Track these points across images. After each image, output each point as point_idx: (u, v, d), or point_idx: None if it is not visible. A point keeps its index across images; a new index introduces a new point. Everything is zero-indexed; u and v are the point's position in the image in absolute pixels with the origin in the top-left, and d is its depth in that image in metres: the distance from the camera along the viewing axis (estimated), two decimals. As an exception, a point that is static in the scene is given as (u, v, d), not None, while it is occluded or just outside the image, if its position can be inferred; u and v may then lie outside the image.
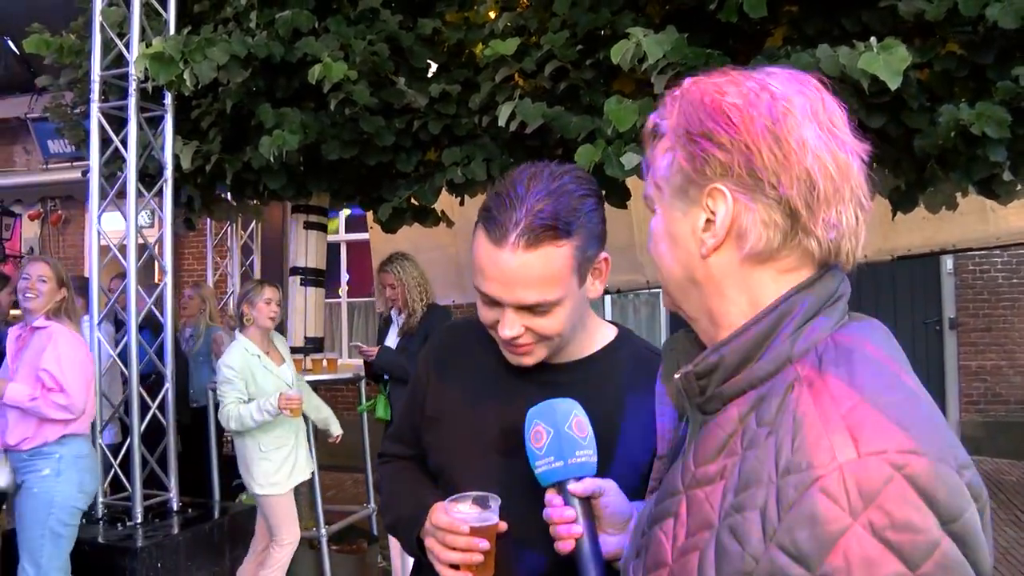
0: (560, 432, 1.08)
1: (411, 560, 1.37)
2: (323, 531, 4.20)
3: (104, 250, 4.29)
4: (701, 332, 0.87)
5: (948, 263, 7.32)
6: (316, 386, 4.39)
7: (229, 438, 5.87)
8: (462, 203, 4.14)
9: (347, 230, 8.75)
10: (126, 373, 4.18)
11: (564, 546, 1.05)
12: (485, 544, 1.11)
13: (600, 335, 1.30)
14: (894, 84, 2.65)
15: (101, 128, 4.25)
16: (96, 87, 4.26)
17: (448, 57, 4.13)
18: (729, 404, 0.78)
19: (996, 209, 4.57)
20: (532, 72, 3.59)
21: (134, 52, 4.12)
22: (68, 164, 8.66)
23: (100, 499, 4.14)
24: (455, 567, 1.13)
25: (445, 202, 4.30)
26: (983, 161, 2.91)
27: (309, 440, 4.08)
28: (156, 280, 4.62)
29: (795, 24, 3.30)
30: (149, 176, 4.43)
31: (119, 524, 4.03)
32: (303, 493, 4.15)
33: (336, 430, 4.28)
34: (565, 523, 1.05)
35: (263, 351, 3.81)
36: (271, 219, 7.15)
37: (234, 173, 4.20)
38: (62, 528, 3.25)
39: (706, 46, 3.12)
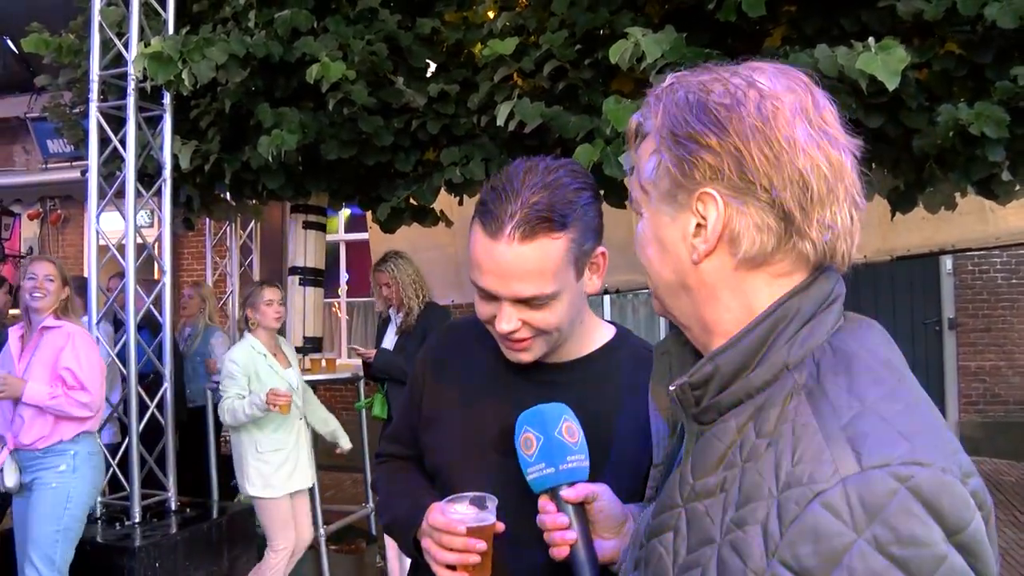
0: (550, 438, 1.07)
1: (408, 560, 1.36)
2: (322, 531, 4.20)
3: (103, 250, 4.29)
4: (693, 339, 0.85)
5: (947, 263, 7.32)
6: (315, 386, 4.39)
7: (227, 438, 5.87)
8: (461, 203, 4.14)
9: (347, 230, 8.75)
10: (124, 372, 4.17)
11: (559, 552, 1.05)
12: (482, 545, 1.10)
13: (598, 334, 1.30)
14: (892, 84, 2.65)
15: (100, 128, 4.25)
16: (95, 87, 4.25)
17: (447, 57, 4.13)
18: (727, 414, 0.76)
19: (995, 209, 4.57)
20: (531, 72, 3.59)
21: (133, 52, 4.11)
22: (67, 164, 8.66)
23: (98, 498, 4.13)
24: (452, 568, 1.12)
25: (444, 202, 4.30)
26: (982, 161, 2.91)
27: (311, 445, 4.05)
28: (155, 277, 4.62)
29: (794, 24, 3.30)
30: (148, 176, 4.43)
31: (117, 524, 4.03)
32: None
33: (345, 443, 4.26)
34: (559, 529, 1.05)
35: (270, 352, 3.81)
36: (270, 219, 7.14)
37: (233, 173, 4.20)
38: (75, 524, 3.28)
39: (705, 46, 3.12)
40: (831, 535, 0.62)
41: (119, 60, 4.25)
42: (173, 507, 4.29)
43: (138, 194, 4.26)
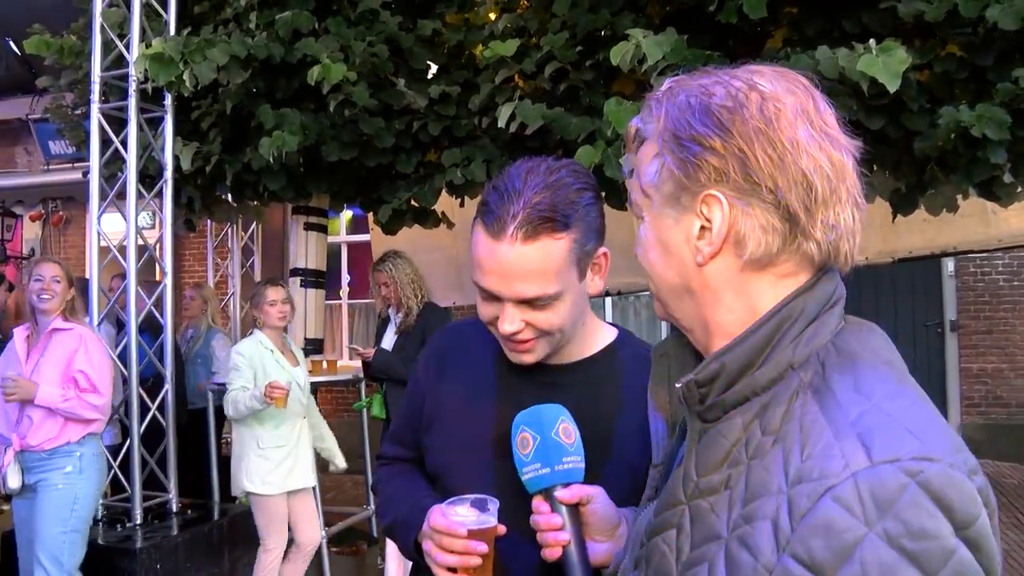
0: (547, 438, 1.07)
1: (409, 563, 1.36)
2: (322, 533, 4.19)
3: (104, 251, 4.29)
4: (696, 341, 0.85)
5: (949, 265, 7.31)
6: (316, 388, 4.38)
7: (228, 439, 5.87)
8: (462, 204, 4.14)
9: (348, 232, 8.75)
10: (125, 374, 4.17)
11: (551, 553, 1.04)
12: (483, 547, 1.10)
13: (600, 336, 1.30)
14: (893, 86, 2.64)
15: (101, 129, 4.25)
16: (96, 88, 4.26)
17: (448, 58, 4.13)
18: (731, 412, 0.77)
19: (997, 211, 4.56)
20: (532, 73, 3.59)
21: (134, 53, 4.12)
22: (69, 165, 8.66)
23: (99, 500, 4.14)
24: (452, 570, 1.12)
25: (445, 203, 4.30)
26: (983, 163, 2.91)
27: (322, 438, 4.06)
28: (156, 279, 4.62)
29: (795, 25, 3.30)
30: (149, 177, 4.43)
31: (118, 525, 4.03)
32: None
33: (340, 463, 4.23)
34: (552, 530, 1.05)
35: (278, 349, 3.81)
36: (272, 220, 7.15)
37: (234, 174, 4.20)
38: (82, 526, 3.29)
39: (706, 47, 3.12)
40: (843, 529, 0.62)
41: (120, 61, 4.25)
42: (174, 509, 4.29)
43: (139, 195, 4.27)
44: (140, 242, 4.31)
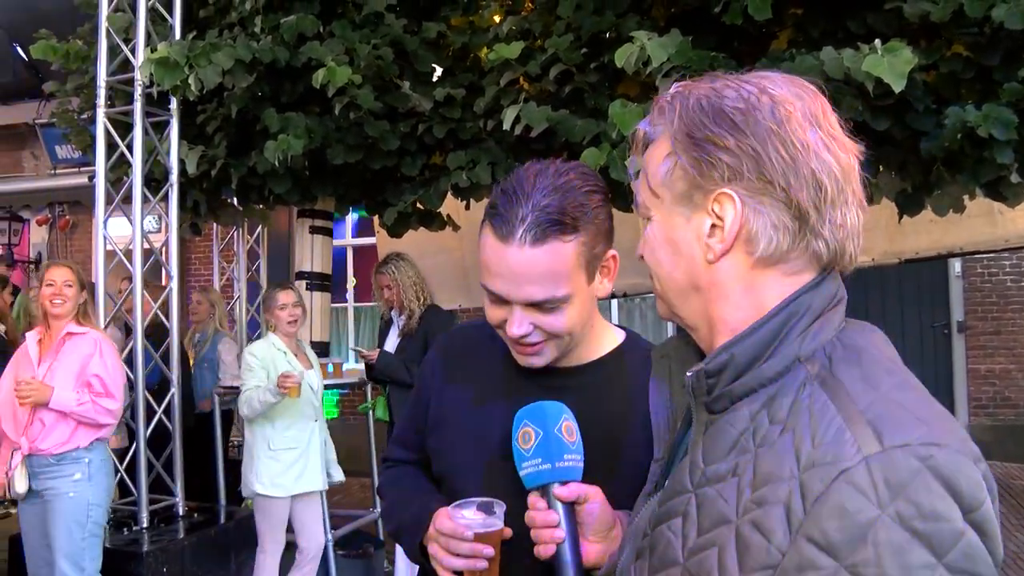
0: (549, 434, 1.07)
1: (416, 566, 1.36)
2: (329, 536, 4.19)
3: (110, 255, 4.31)
4: (700, 339, 0.87)
5: (956, 266, 7.29)
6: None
7: (235, 443, 5.87)
8: (467, 207, 4.14)
9: (354, 235, 8.76)
10: (132, 378, 4.18)
11: (545, 550, 1.04)
12: (489, 551, 1.10)
13: (608, 339, 1.29)
14: (898, 86, 2.63)
15: (107, 133, 4.27)
16: (102, 92, 4.28)
17: (453, 61, 4.13)
18: (738, 403, 0.78)
19: (1004, 211, 4.55)
20: (537, 76, 3.59)
21: (140, 57, 4.13)
22: (76, 169, 8.69)
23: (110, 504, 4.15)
24: (459, 574, 1.12)
25: (450, 206, 4.30)
26: (990, 163, 2.90)
27: (324, 447, 4.01)
28: (163, 283, 4.63)
29: (800, 26, 3.29)
30: (155, 181, 4.44)
31: (125, 529, 4.04)
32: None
33: (337, 476, 4.15)
34: (548, 527, 1.04)
35: (290, 351, 3.82)
36: (277, 224, 7.16)
37: (239, 178, 4.21)
38: (98, 530, 3.33)
39: (711, 49, 3.11)
40: (856, 511, 0.64)
41: (126, 66, 4.27)
42: (181, 512, 4.30)
43: (145, 199, 4.28)
44: (146, 246, 4.33)
